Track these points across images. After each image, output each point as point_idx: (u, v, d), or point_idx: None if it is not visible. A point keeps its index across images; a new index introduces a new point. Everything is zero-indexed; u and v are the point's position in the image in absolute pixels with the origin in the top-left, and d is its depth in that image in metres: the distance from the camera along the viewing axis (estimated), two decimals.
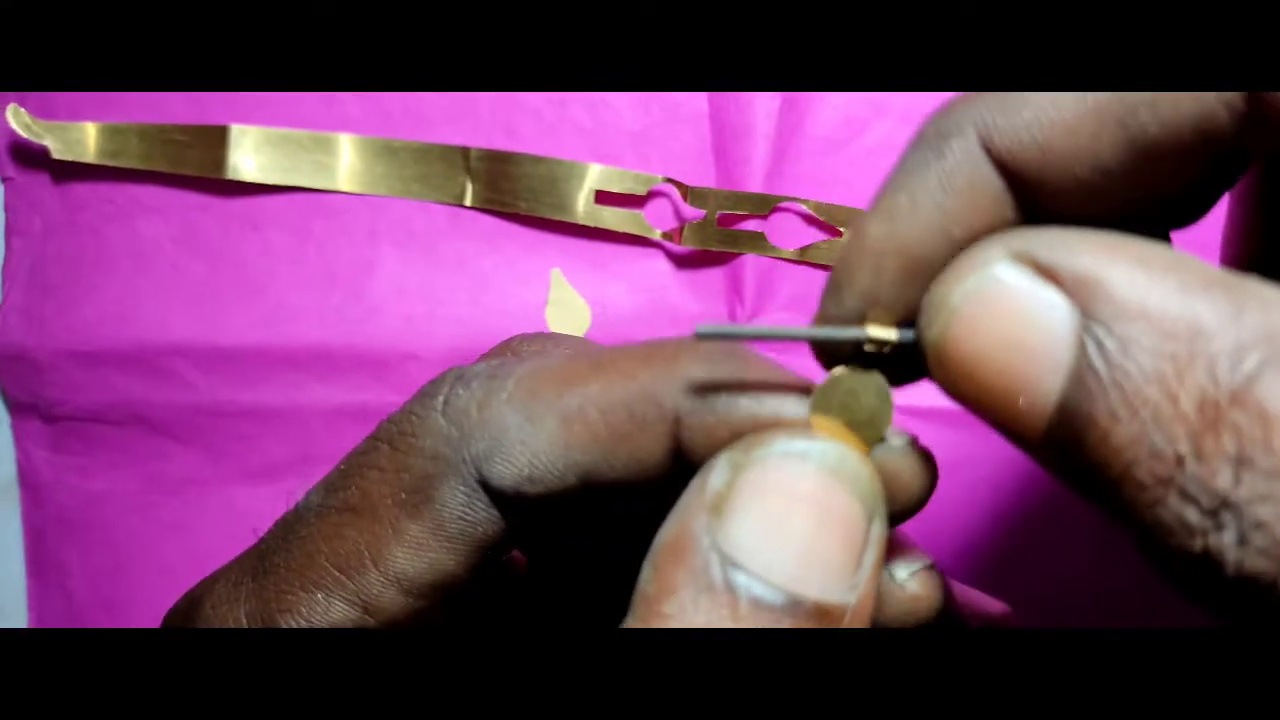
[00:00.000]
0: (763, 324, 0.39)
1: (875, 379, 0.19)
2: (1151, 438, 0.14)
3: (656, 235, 0.39)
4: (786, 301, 0.39)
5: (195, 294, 0.40)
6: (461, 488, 0.20)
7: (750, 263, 0.39)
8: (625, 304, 0.40)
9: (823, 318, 0.19)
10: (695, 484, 0.18)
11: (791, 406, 0.19)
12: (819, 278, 0.39)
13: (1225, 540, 0.14)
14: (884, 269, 0.18)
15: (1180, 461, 0.14)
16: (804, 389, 0.19)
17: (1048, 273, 0.15)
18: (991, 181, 0.18)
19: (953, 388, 0.17)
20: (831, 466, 0.18)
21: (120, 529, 0.42)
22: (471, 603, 0.22)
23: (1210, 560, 0.14)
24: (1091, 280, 0.15)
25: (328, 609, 0.21)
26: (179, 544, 0.42)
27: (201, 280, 0.40)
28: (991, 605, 0.26)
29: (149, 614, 0.42)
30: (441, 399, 0.21)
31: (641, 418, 0.19)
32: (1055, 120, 0.17)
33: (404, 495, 0.20)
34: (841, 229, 0.38)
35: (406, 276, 0.39)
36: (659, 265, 0.39)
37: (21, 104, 0.39)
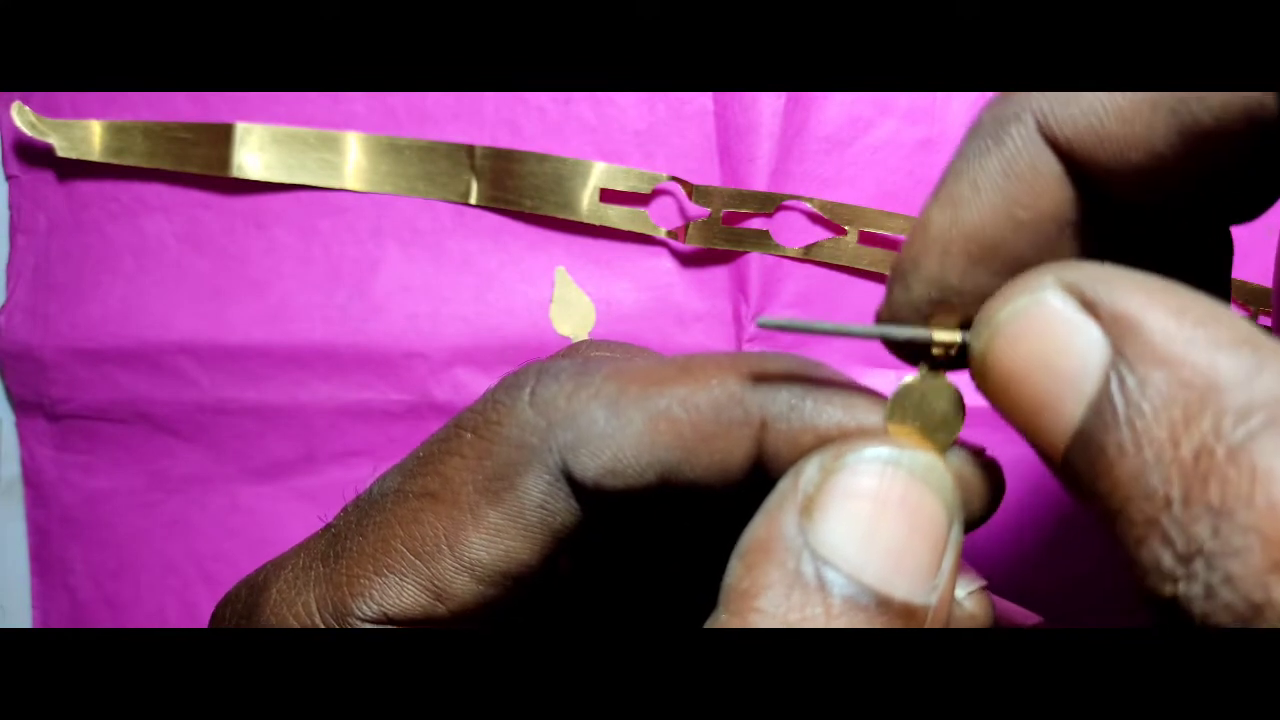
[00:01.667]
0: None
1: (948, 386, 0.20)
2: (1149, 477, 0.15)
3: (661, 233, 0.39)
4: (791, 300, 0.39)
5: (200, 292, 0.40)
6: (545, 476, 0.21)
7: (755, 261, 0.39)
8: (630, 302, 0.40)
9: (890, 306, 0.20)
10: (784, 486, 0.19)
11: (872, 414, 0.20)
12: (824, 276, 0.39)
13: (1194, 591, 0.15)
14: (951, 254, 0.19)
15: (1168, 504, 0.15)
16: (879, 398, 0.20)
17: (1090, 306, 0.16)
18: (1052, 165, 0.18)
19: (992, 397, 0.18)
20: (920, 473, 0.18)
21: (124, 527, 0.42)
22: (538, 594, 0.22)
23: (1179, 608, 0.15)
24: (1127, 320, 0.16)
25: (400, 593, 0.21)
26: (182, 542, 0.42)
27: (206, 278, 0.40)
28: (1026, 618, 0.27)
29: (153, 612, 0.42)
30: (528, 390, 0.21)
31: (727, 421, 0.20)
32: (1110, 108, 0.18)
33: (486, 482, 0.21)
34: (846, 227, 0.38)
35: (411, 275, 0.39)
36: (664, 263, 0.39)
37: (26, 102, 0.39)
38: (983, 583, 0.21)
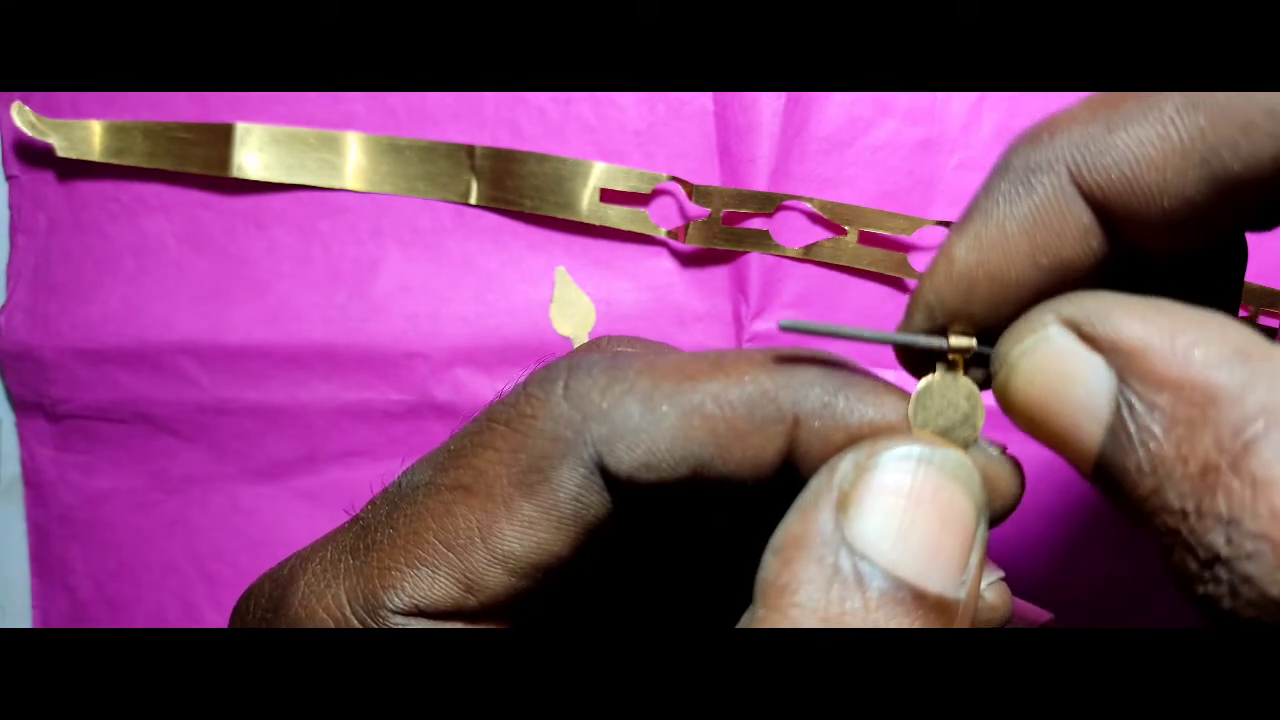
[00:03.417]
0: (759, 323, 0.39)
1: (967, 385, 0.20)
2: (1166, 494, 0.16)
3: (661, 233, 0.39)
4: (791, 300, 0.39)
5: (200, 292, 0.40)
6: (580, 469, 0.21)
7: (755, 261, 0.39)
8: (630, 302, 0.40)
9: (909, 329, 0.21)
10: (818, 483, 0.19)
11: (900, 413, 0.21)
12: (823, 276, 0.39)
13: (1220, 591, 0.16)
14: (975, 292, 0.20)
15: (1185, 517, 0.16)
16: (906, 396, 0.21)
17: (1090, 339, 0.17)
18: (1081, 215, 0.19)
19: (1019, 427, 0.19)
20: (951, 470, 0.19)
21: (124, 527, 0.42)
22: (564, 585, 0.22)
23: (1211, 605, 0.16)
24: (1126, 349, 0.17)
25: (432, 586, 0.21)
26: (182, 542, 0.42)
27: (206, 278, 0.40)
28: (1038, 614, 0.27)
29: (153, 612, 0.42)
30: (562, 384, 0.21)
31: (761, 417, 0.21)
32: (1142, 158, 0.19)
33: (520, 474, 0.21)
34: (846, 227, 0.38)
35: (411, 275, 0.39)
36: (664, 263, 0.39)
37: (26, 102, 0.39)
38: (1001, 574, 0.22)
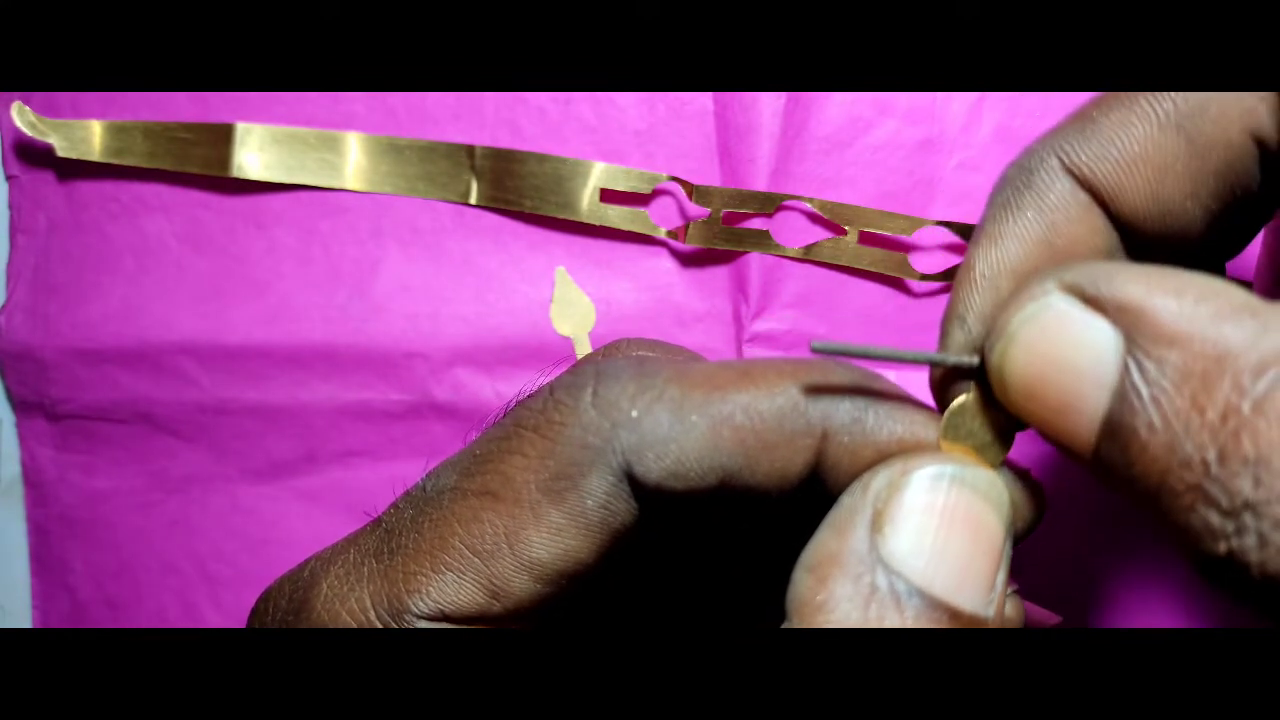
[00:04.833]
0: (759, 323, 0.39)
1: (999, 407, 0.20)
2: (1183, 446, 0.16)
3: (661, 233, 0.39)
4: (791, 300, 0.39)
5: (200, 292, 0.40)
6: (609, 476, 0.21)
7: (755, 261, 0.39)
8: (630, 302, 0.40)
9: (949, 349, 0.21)
10: (851, 501, 0.19)
11: (928, 430, 0.21)
12: (824, 276, 0.39)
13: (1247, 543, 0.15)
14: (1000, 290, 0.20)
15: (1206, 467, 0.15)
16: (933, 413, 0.21)
17: (1094, 302, 0.17)
18: (1079, 196, 0.20)
19: (1016, 406, 0.18)
20: (982, 489, 0.19)
21: (124, 527, 0.42)
22: (588, 591, 0.22)
23: (1235, 563, 0.15)
24: (1133, 309, 0.17)
25: (458, 592, 0.21)
26: (182, 542, 0.42)
27: (206, 278, 0.40)
28: (1048, 618, 0.27)
29: (153, 612, 0.42)
30: (590, 390, 0.21)
31: (790, 430, 0.21)
32: (1122, 134, 0.19)
33: (549, 481, 0.21)
34: (846, 227, 0.38)
35: (411, 275, 0.39)
36: (664, 264, 0.39)
37: (26, 102, 0.39)
38: (1015, 586, 0.22)
